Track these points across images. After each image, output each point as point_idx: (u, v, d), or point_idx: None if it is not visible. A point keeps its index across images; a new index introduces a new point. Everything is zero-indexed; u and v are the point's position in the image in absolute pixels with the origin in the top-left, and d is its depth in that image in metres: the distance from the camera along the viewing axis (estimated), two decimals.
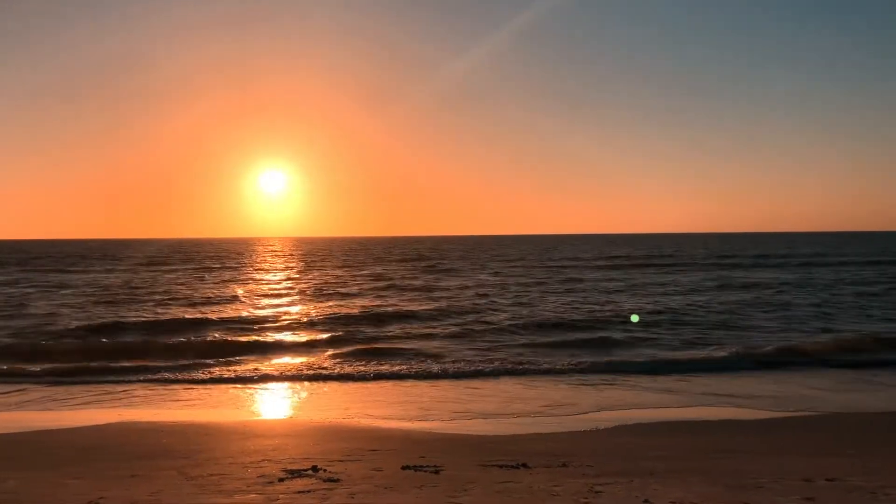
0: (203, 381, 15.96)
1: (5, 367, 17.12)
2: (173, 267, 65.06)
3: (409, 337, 22.08)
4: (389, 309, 29.10)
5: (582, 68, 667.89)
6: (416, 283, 44.79)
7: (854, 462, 8.12)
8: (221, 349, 19.69)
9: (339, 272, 57.73)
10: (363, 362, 17.78)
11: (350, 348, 19.74)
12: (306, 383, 15.83)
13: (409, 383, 15.66)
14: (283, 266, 69.47)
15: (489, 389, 14.76)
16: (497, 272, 55.31)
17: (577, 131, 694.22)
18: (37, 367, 17.14)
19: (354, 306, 30.39)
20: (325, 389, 15.20)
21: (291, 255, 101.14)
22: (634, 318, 24.40)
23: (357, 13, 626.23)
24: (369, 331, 23.31)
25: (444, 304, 30.87)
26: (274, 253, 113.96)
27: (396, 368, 16.95)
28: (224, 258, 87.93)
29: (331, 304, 31.99)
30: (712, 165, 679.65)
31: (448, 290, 39.21)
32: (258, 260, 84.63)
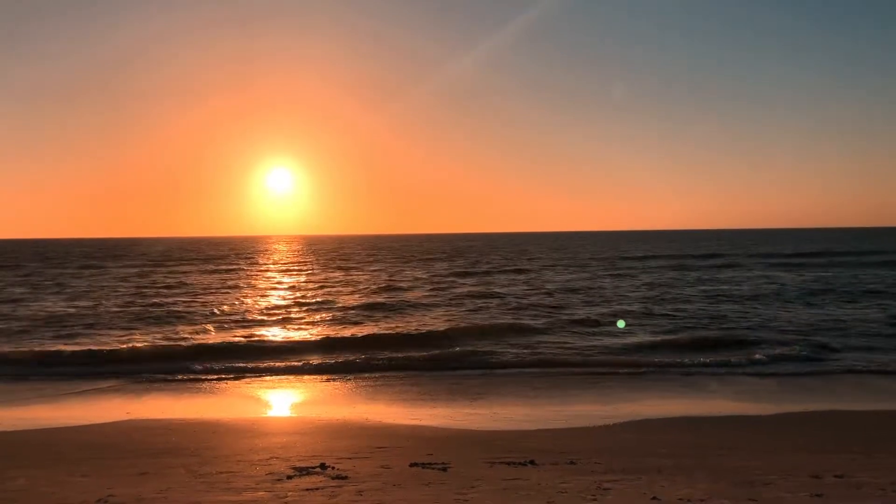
0: (210, 380, 16.05)
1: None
2: (192, 267, 63.61)
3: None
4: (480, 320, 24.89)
5: (585, 66, 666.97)
6: (498, 289, 37.98)
7: (861, 459, 8.10)
8: (240, 350, 19.75)
9: (367, 272, 54.11)
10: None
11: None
12: (330, 383, 15.81)
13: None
14: (307, 266, 65.45)
15: None
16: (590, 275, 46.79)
17: (581, 129, 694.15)
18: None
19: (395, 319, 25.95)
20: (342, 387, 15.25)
21: (324, 256, 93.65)
22: (621, 324, 23.76)
23: (362, 12, 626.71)
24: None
25: (560, 315, 26.11)
26: (293, 252, 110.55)
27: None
28: (244, 257, 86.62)
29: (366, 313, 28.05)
30: (713, 163, 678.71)
31: (544, 294, 34.48)
32: (278, 259, 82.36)
